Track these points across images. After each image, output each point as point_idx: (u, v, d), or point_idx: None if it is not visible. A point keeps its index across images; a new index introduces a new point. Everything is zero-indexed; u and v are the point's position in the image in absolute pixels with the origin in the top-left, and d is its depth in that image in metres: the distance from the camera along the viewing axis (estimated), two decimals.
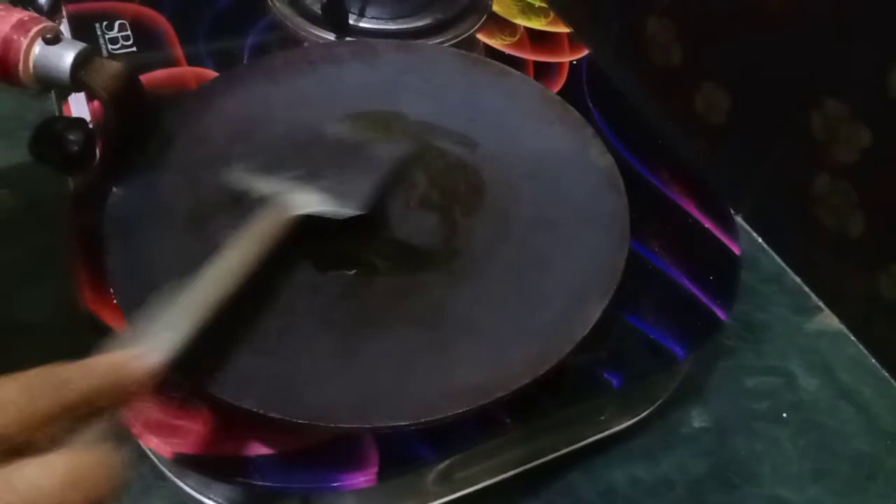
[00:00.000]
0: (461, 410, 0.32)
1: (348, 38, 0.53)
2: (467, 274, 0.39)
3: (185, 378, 0.33)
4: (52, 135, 0.44)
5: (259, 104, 0.46)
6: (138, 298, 0.34)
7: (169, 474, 0.38)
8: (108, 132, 0.42)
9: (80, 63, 0.39)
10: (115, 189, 0.40)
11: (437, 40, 0.54)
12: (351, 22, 0.53)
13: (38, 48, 0.38)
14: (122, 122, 0.41)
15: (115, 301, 0.36)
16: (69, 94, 0.48)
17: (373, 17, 0.54)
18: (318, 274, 0.39)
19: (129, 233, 0.38)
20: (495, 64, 0.50)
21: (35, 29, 0.38)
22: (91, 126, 0.45)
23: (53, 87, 0.40)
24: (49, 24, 0.39)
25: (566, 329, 0.35)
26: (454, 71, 0.49)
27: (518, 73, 0.49)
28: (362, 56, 0.49)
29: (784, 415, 0.47)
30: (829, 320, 0.52)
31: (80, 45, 0.39)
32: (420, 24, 0.54)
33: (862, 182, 0.48)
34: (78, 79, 0.39)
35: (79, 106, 0.47)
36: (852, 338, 0.51)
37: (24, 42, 0.38)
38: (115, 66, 0.39)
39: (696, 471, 0.43)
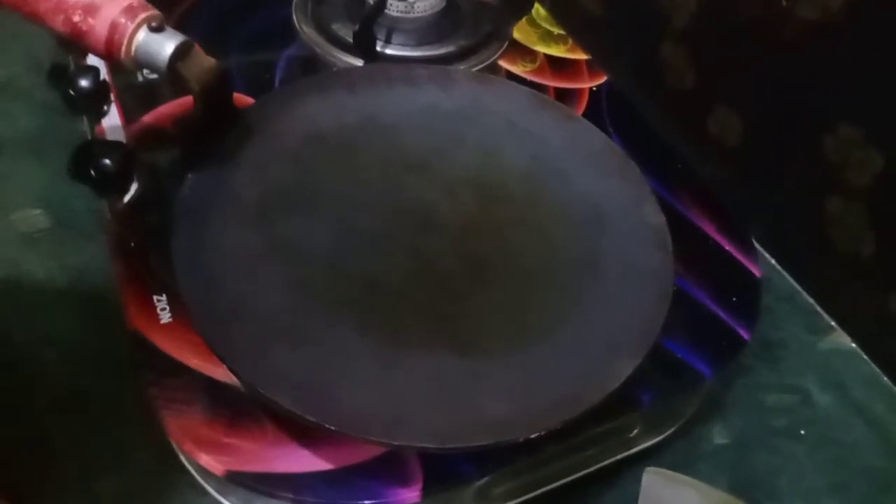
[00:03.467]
0: (484, 443, 0.34)
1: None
2: (507, 308, 0.41)
3: (226, 364, 0.35)
4: (90, 156, 0.45)
5: (334, 112, 0.48)
6: (195, 280, 0.37)
7: (211, 490, 0.39)
8: (192, 123, 0.43)
9: (178, 54, 0.40)
10: (189, 176, 0.42)
11: (461, 67, 0.55)
12: (378, 48, 0.55)
13: (142, 34, 0.40)
14: (206, 114, 0.42)
15: (178, 284, 0.38)
16: (102, 117, 0.49)
17: (399, 44, 0.55)
18: (368, 286, 0.41)
19: (196, 218, 0.40)
20: (563, 107, 0.51)
21: (142, 16, 0.40)
22: (127, 150, 0.46)
23: (150, 71, 0.42)
24: (155, 12, 0.41)
25: (598, 379, 0.36)
26: (523, 107, 0.50)
27: (584, 119, 0.50)
28: (438, 80, 0.51)
29: (802, 431, 0.48)
30: (841, 339, 0.54)
31: (182, 38, 0.40)
32: (444, 51, 0.56)
33: (874, 205, 0.50)
34: (175, 69, 0.40)
35: (112, 128, 0.49)
36: (864, 356, 0.53)
37: (131, 26, 0.39)
38: (210, 62, 0.41)
39: (718, 486, 0.45)
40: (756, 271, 0.46)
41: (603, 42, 0.62)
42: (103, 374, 0.44)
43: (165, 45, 0.40)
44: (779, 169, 0.56)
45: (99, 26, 0.39)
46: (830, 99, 0.51)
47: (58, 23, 0.39)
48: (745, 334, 0.43)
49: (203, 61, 0.41)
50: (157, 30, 0.40)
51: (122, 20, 0.39)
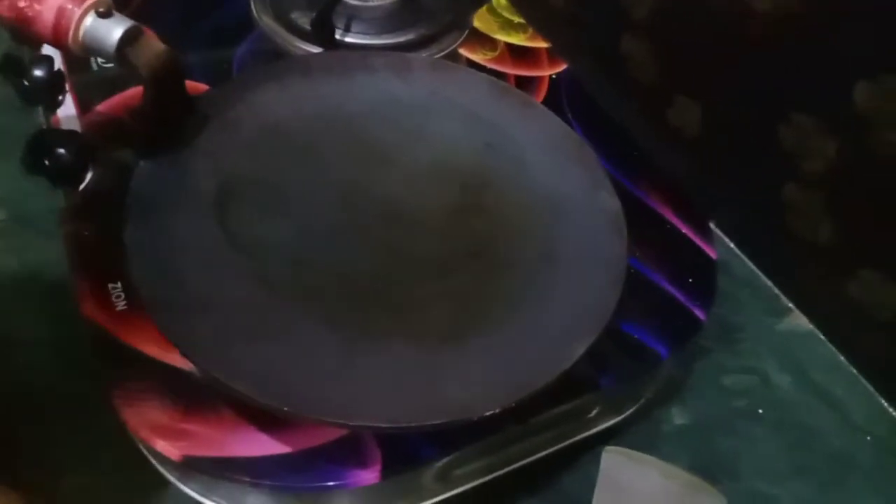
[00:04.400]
0: (438, 422, 0.34)
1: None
2: (465, 295, 0.41)
3: (182, 352, 0.35)
4: (44, 147, 0.45)
5: (291, 100, 0.47)
6: (151, 272, 0.37)
7: (171, 479, 0.39)
8: (144, 110, 0.43)
9: (127, 39, 0.40)
10: (141, 163, 0.41)
11: (422, 55, 0.56)
12: (337, 37, 0.55)
13: (89, 20, 0.39)
14: (158, 102, 0.42)
15: (131, 275, 0.37)
16: (57, 107, 0.49)
17: (358, 32, 0.55)
18: (327, 276, 0.41)
19: (150, 209, 0.40)
20: (522, 94, 0.51)
21: (89, 1, 0.40)
22: (82, 140, 0.46)
23: (99, 57, 0.43)
24: None
25: (552, 361, 0.37)
26: (482, 95, 0.50)
27: (542, 106, 0.50)
28: (396, 69, 0.50)
29: (760, 411, 0.49)
30: (799, 321, 0.55)
31: (130, 23, 0.40)
32: (404, 39, 0.56)
33: (830, 190, 0.51)
34: (123, 54, 0.40)
35: (68, 118, 0.48)
36: (822, 337, 0.54)
37: (78, 12, 0.39)
38: (159, 47, 0.41)
39: (678, 466, 0.45)
40: (712, 253, 0.46)
41: (563, 32, 0.63)
42: (66, 371, 0.43)
43: (113, 31, 0.39)
44: (737, 157, 0.57)
45: (46, 12, 0.39)
46: (786, 89, 0.52)
47: (3, 8, 0.39)
48: (701, 315, 0.43)
49: (153, 46, 0.40)
50: (104, 15, 0.39)
51: (69, 6, 0.39)
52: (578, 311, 0.39)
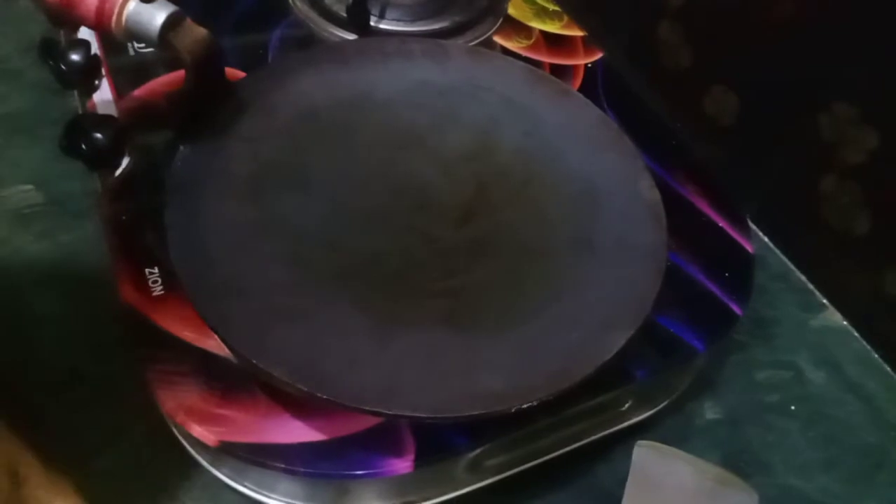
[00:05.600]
0: (476, 413, 0.34)
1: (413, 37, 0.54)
2: (502, 284, 0.41)
3: (220, 336, 0.35)
4: (81, 130, 0.45)
5: (328, 86, 0.47)
6: (190, 254, 0.37)
7: (203, 462, 0.39)
8: (184, 95, 0.43)
9: (169, 24, 0.40)
10: (181, 148, 0.42)
11: (457, 42, 0.55)
12: (372, 23, 0.54)
13: (132, 4, 0.40)
14: (198, 87, 0.42)
15: (171, 259, 0.37)
16: (93, 92, 0.49)
17: (393, 19, 0.55)
18: (364, 262, 0.41)
19: (189, 192, 0.40)
20: (559, 83, 0.51)
21: None
22: (119, 124, 0.46)
23: (141, 43, 0.43)
24: None
25: (590, 353, 0.36)
26: (518, 83, 0.50)
27: (580, 94, 0.50)
28: (433, 55, 0.50)
29: (793, 407, 0.48)
30: (834, 317, 0.54)
31: (173, 8, 0.40)
32: (438, 26, 0.56)
33: (869, 183, 0.50)
34: (166, 39, 0.40)
35: (104, 102, 0.48)
36: (856, 334, 0.53)
37: None
38: (201, 32, 0.41)
39: (710, 460, 0.45)
40: (749, 247, 0.46)
41: (599, 19, 0.62)
42: (96, 353, 0.43)
43: (156, 16, 0.40)
44: (774, 148, 0.56)
45: None
46: (826, 77, 0.51)
47: None
48: (737, 309, 0.43)
49: (195, 32, 0.41)
50: (147, 0, 0.40)
51: None
52: (617, 302, 0.39)
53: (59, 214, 0.50)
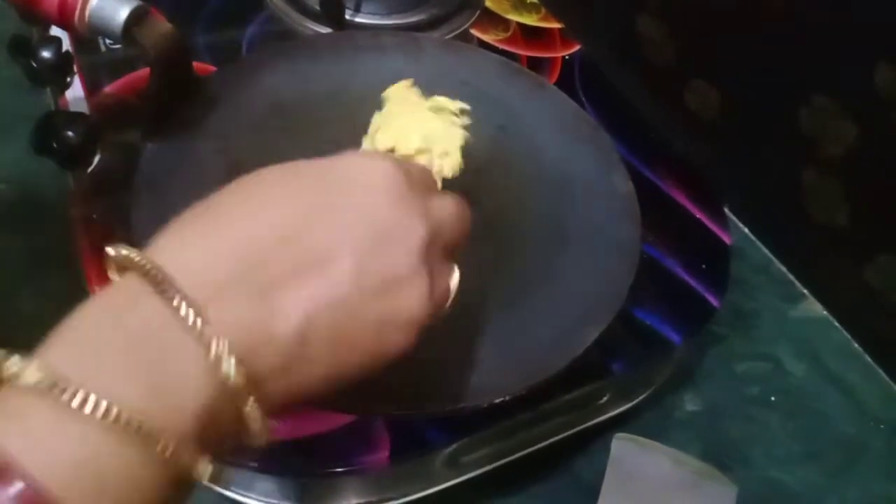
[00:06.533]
0: (448, 409, 0.34)
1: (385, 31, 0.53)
2: (474, 279, 0.40)
3: None
4: (53, 128, 0.44)
5: (299, 81, 0.47)
6: None
7: None
8: (150, 91, 0.42)
9: (133, 19, 0.39)
10: (150, 145, 0.41)
11: (433, 35, 0.55)
12: (347, 17, 0.54)
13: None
14: (165, 83, 0.41)
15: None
16: (65, 89, 0.48)
17: (368, 13, 0.55)
18: None
19: (158, 189, 0.40)
20: (535, 76, 0.50)
21: None
22: (90, 121, 0.45)
23: (105, 37, 0.42)
24: None
25: (564, 346, 0.36)
26: (493, 76, 0.49)
27: (554, 87, 0.50)
28: (407, 49, 0.50)
29: (773, 399, 0.48)
30: (814, 307, 0.54)
31: (137, 2, 0.40)
32: (414, 19, 0.55)
33: (849, 175, 0.50)
34: (130, 34, 0.39)
35: (76, 100, 0.48)
36: (837, 324, 0.53)
37: None
38: (166, 27, 0.40)
39: (690, 453, 0.45)
40: (726, 238, 0.46)
41: (577, 12, 0.62)
42: None
43: (120, 10, 0.39)
44: (755, 141, 0.56)
45: None
46: (806, 71, 0.51)
47: None
48: (714, 301, 0.43)
49: (159, 27, 0.40)
50: None
51: None
52: (590, 296, 0.39)
53: (33, 214, 0.49)
